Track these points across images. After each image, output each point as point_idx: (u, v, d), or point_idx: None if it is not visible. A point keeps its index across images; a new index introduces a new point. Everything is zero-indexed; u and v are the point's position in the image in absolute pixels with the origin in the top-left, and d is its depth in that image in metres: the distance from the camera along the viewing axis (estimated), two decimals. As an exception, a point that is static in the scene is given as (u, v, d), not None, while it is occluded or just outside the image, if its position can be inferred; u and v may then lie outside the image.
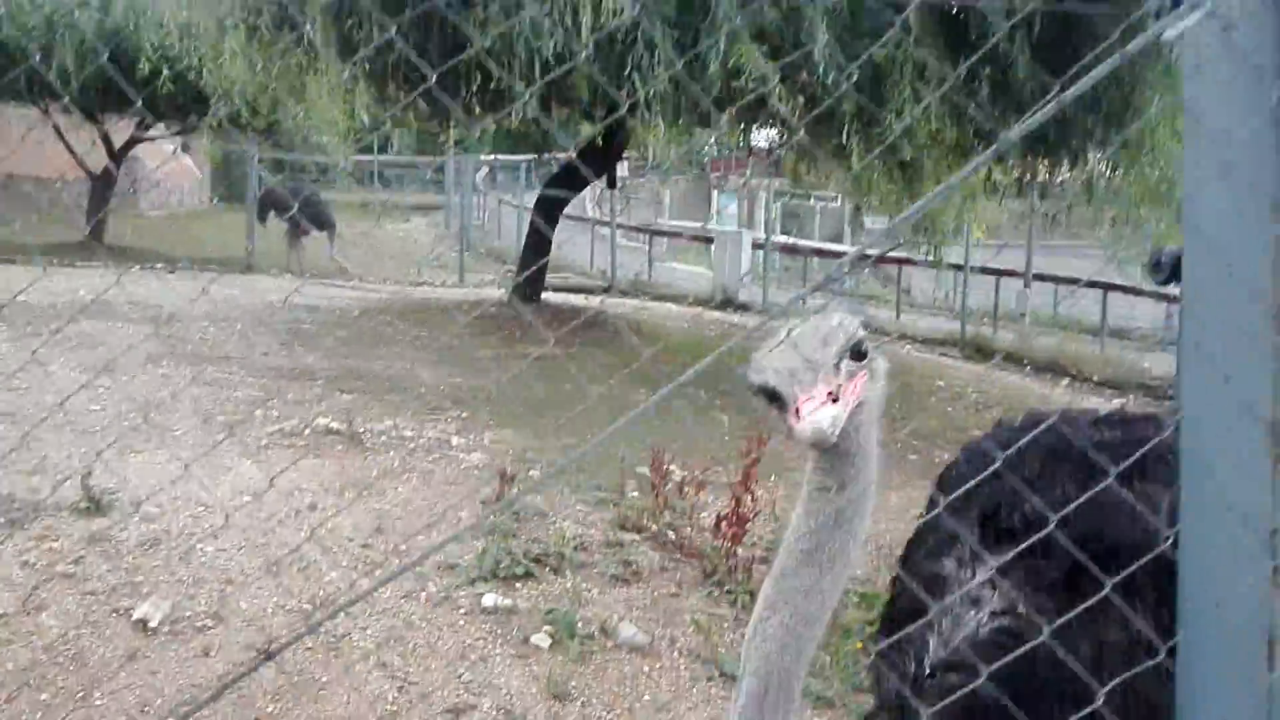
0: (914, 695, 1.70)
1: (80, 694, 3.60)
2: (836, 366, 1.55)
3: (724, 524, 4.88)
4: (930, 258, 11.83)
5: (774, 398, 1.57)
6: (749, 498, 4.93)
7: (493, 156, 29.32)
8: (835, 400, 1.52)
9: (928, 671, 1.77)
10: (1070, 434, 1.96)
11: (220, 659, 3.93)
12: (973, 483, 1.76)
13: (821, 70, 7.12)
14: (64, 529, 4.71)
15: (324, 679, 3.82)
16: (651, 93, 7.15)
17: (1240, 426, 1.17)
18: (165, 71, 10.74)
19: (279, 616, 4.18)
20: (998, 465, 1.71)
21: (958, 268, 15.96)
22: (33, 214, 19.14)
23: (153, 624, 4.09)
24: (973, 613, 1.78)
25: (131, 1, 14.21)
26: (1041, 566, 1.70)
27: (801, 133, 7.45)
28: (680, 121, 8.34)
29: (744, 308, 16.56)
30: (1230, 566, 1.25)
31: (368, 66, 7.69)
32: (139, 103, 13.71)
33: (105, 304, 10.39)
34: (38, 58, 12.12)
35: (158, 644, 3.94)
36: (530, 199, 21.18)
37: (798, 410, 1.50)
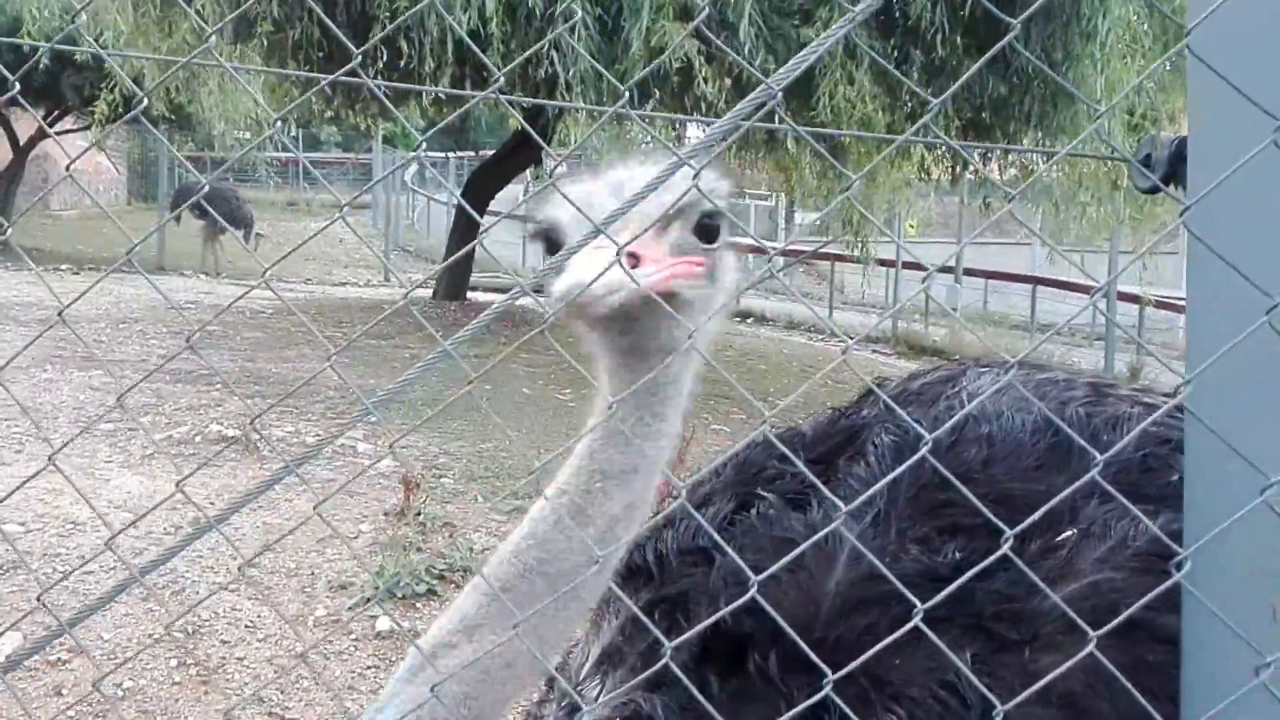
0: None
1: (-101, 746, 3.12)
2: (666, 227, 1.10)
3: (646, 532, 4.54)
4: (859, 253, 11.66)
5: (553, 244, 1.11)
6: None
7: (423, 153, 28.61)
8: (638, 265, 1.03)
9: None
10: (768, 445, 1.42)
11: (73, 696, 3.48)
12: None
13: (748, 50, 6.83)
14: (-98, 552, 4.19)
15: (189, 717, 3.39)
16: (572, 73, 6.79)
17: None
18: (41, 48, 9.83)
19: (147, 651, 3.72)
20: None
21: (889, 263, 15.90)
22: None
23: (-3, 660, 3.61)
24: None
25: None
26: (661, 645, 1.16)
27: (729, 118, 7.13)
28: (605, 107, 7.98)
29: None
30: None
31: (265, 43, 7.17)
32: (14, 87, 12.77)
33: (-4, 305, 9.73)
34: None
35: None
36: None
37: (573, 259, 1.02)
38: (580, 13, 6.90)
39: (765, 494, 1.35)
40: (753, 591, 0.92)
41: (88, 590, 4.14)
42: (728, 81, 7.61)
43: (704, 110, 7.43)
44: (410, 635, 4.02)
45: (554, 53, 6.76)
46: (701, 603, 1.21)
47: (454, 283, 12.46)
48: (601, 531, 1.16)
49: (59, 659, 3.70)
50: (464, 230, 12.29)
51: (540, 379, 8.67)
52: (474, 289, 14.08)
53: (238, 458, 5.66)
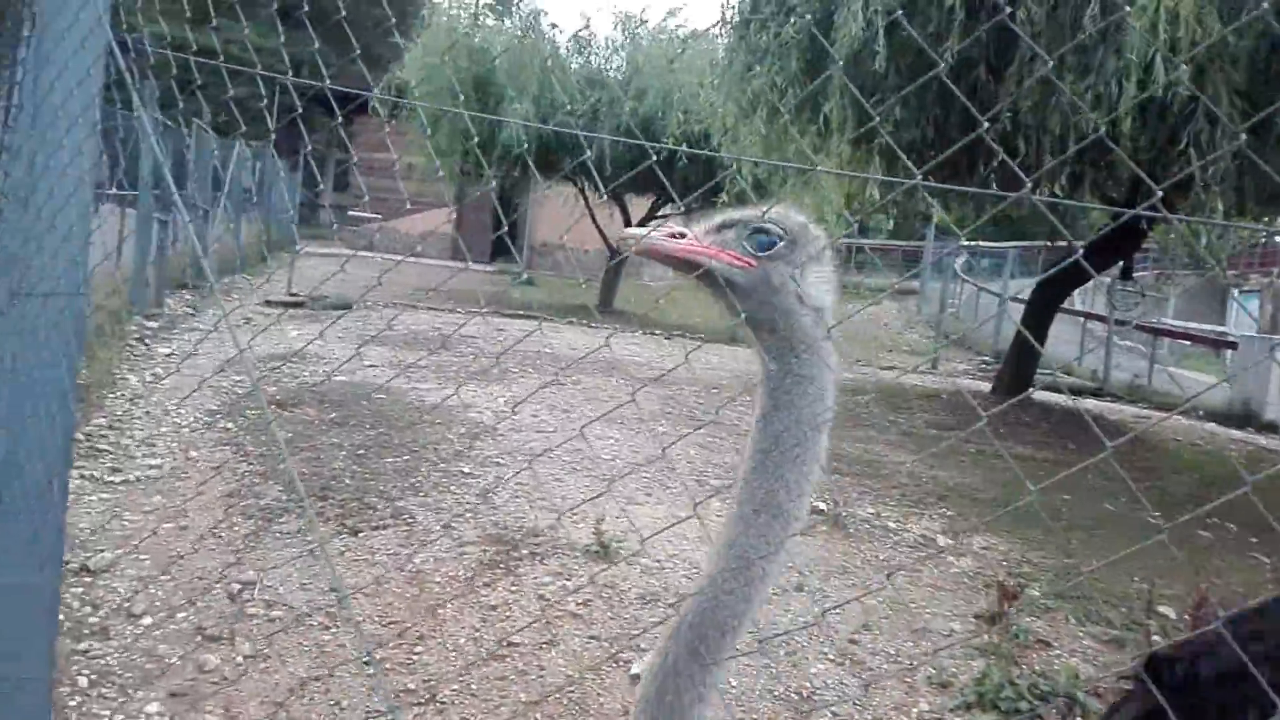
0: None
1: (581, 741, 3.71)
2: (719, 229, 1.49)
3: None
4: None
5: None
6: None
7: (974, 243, 28.36)
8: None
9: None
10: None
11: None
12: None
13: None
14: (575, 569, 5.03)
15: (809, 781, 3.59)
16: (1210, 173, 6.22)
17: None
18: (681, 152, 11.71)
19: (765, 702, 4.04)
20: None
21: None
22: (557, 277, 21.84)
23: (646, 681, 4.15)
24: None
25: (662, 90, 15.77)
26: None
27: None
28: (1242, 205, 7.20)
29: (1272, 427, 14.00)
30: None
31: (883, 143, 7.61)
32: (674, 198, 14.92)
33: (616, 362, 11.44)
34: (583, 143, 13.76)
35: (651, 703, 3.98)
36: (1013, 288, 20.07)
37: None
38: (1225, 109, 6.33)
39: None
40: None
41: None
42: None
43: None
44: (1013, 752, 3.88)
45: (1190, 151, 6.24)
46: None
47: (1017, 379, 12.02)
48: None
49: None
50: (1034, 326, 11.82)
51: (1123, 495, 7.98)
52: (1032, 386, 13.46)
53: (828, 531, 5.97)
